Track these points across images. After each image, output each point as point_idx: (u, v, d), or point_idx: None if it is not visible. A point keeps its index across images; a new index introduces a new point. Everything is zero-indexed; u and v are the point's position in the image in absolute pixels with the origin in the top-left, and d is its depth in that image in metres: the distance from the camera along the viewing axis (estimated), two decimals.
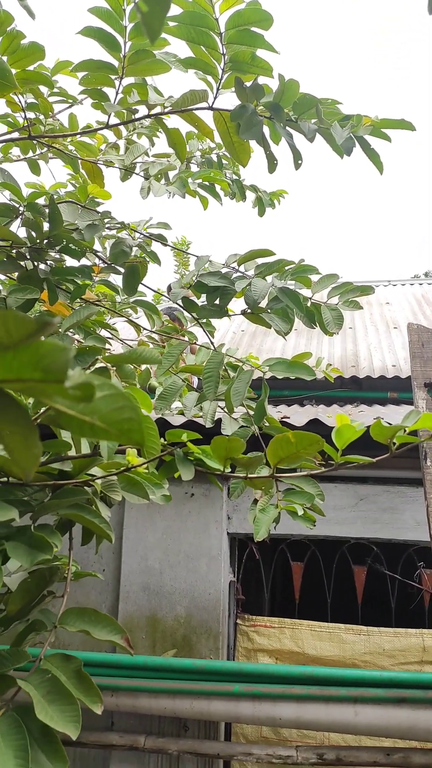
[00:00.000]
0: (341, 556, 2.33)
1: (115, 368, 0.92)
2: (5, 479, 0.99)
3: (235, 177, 2.40)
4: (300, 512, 1.39)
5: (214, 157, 2.42)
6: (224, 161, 2.41)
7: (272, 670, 1.88)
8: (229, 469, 1.06)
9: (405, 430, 1.02)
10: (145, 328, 2.46)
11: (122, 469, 0.94)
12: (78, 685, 0.97)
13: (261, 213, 2.50)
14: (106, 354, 2.25)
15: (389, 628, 2.25)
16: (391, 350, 6.19)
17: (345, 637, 2.23)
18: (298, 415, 2.92)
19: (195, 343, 2.01)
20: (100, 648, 2.32)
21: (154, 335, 2.67)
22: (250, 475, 1.07)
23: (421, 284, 9.47)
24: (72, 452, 1.07)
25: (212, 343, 1.99)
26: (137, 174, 2.10)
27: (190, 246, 11.39)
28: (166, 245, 2.19)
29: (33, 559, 0.93)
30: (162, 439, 1.06)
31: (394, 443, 1.08)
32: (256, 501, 1.39)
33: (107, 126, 1.88)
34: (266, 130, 1.57)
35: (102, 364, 0.96)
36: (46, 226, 1.76)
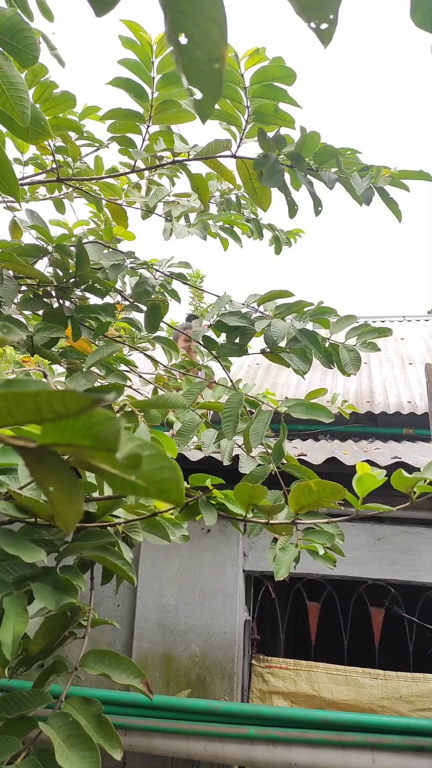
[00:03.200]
0: (358, 596, 2.31)
1: (142, 413, 0.94)
2: (32, 519, 1.01)
3: (252, 216, 2.45)
4: (321, 552, 1.39)
5: (233, 197, 2.48)
6: (243, 200, 2.47)
7: (288, 713, 1.85)
8: (251, 514, 1.07)
9: (425, 480, 1.03)
10: (161, 363, 2.50)
11: (149, 514, 0.96)
12: (98, 730, 0.97)
13: (278, 251, 2.55)
14: (128, 394, 2.28)
15: (407, 672, 2.20)
16: (406, 386, 6.18)
17: (362, 681, 2.19)
18: (315, 451, 2.93)
19: (213, 381, 2.03)
20: (114, 684, 2.30)
21: (171, 369, 2.71)
22: (271, 521, 1.08)
23: None
24: (96, 493, 1.09)
25: (230, 378, 2.02)
26: (159, 215, 2.16)
27: (204, 279, 11.57)
28: (186, 284, 2.24)
29: (58, 602, 0.94)
30: (185, 483, 1.08)
31: (415, 492, 1.09)
32: (276, 539, 1.39)
33: (133, 170, 1.95)
34: (287, 177, 1.62)
35: (129, 408, 0.98)
36: (72, 267, 1.81)
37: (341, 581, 2.32)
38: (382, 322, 9.58)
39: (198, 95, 0.37)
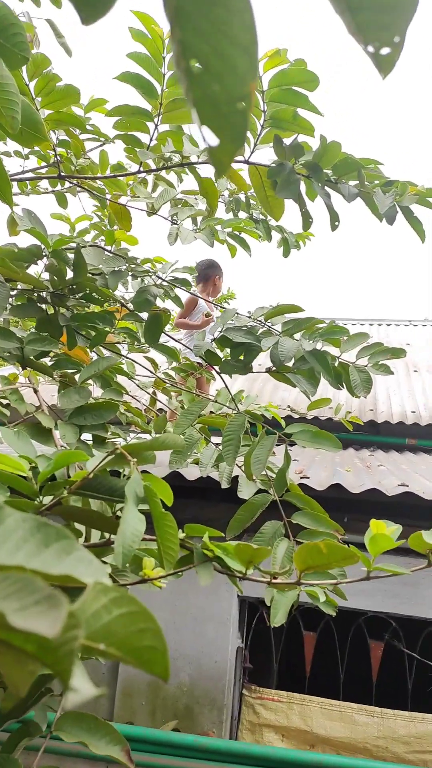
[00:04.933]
0: (357, 629, 2.20)
1: (135, 460, 0.83)
2: None
3: (261, 217, 2.35)
4: (322, 598, 1.29)
5: (242, 197, 2.38)
6: (252, 201, 2.36)
7: (279, 754, 1.75)
8: (251, 571, 0.96)
9: None
10: (156, 373, 2.40)
11: (137, 581, 0.85)
12: None
13: (286, 254, 2.45)
14: (125, 400, 2.17)
15: (405, 711, 2.10)
16: (410, 395, 6.06)
17: (357, 718, 2.09)
18: (316, 467, 2.83)
19: (213, 400, 1.93)
20: (96, 705, 2.20)
21: (170, 371, 2.61)
22: (274, 581, 0.98)
23: None
24: (82, 540, 0.99)
25: (230, 392, 1.92)
26: (164, 217, 2.06)
27: None
28: (190, 292, 2.13)
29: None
30: (180, 531, 0.97)
31: None
32: (271, 582, 1.29)
33: (139, 171, 1.84)
34: (302, 187, 1.52)
35: (120, 451, 0.88)
36: (69, 272, 1.71)
37: (340, 612, 2.20)
38: (387, 326, 9.46)
39: (213, 140, 0.26)
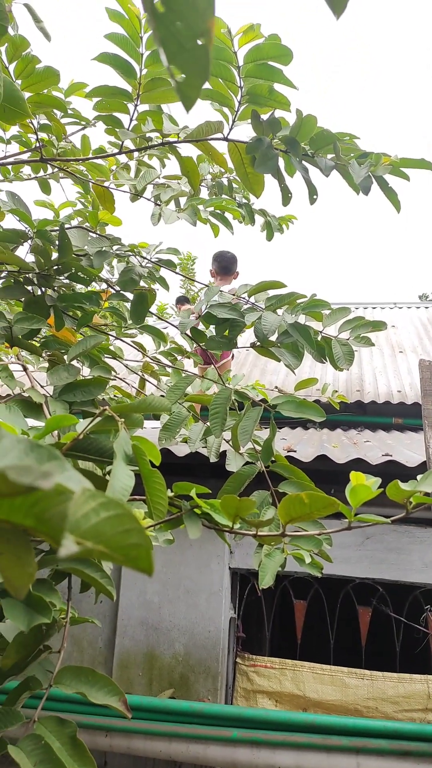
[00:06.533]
0: (345, 595, 2.27)
1: (123, 420, 0.87)
2: None
3: (244, 201, 2.38)
4: (308, 560, 1.34)
5: (225, 181, 2.40)
6: (234, 185, 2.39)
7: (272, 716, 1.81)
8: (238, 525, 1.01)
9: (421, 492, 0.97)
10: (146, 355, 2.42)
11: None
12: (72, 753, 0.91)
13: (269, 237, 2.48)
14: (114, 384, 2.20)
15: (393, 673, 2.17)
16: (396, 375, 6.13)
17: (347, 681, 2.15)
18: (304, 444, 2.87)
19: (201, 376, 1.96)
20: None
21: (158, 356, 2.63)
22: (259, 533, 1.02)
23: (427, 307, 9.45)
24: None
25: (218, 370, 1.95)
26: (147, 199, 2.08)
27: (196, 260, 11.45)
28: (175, 272, 2.16)
29: (31, 621, 0.88)
30: (168, 490, 1.01)
31: (411, 502, 1.03)
32: (261, 545, 1.34)
33: (120, 152, 1.86)
34: (281, 162, 1.54)
35: (109, 413, 0.91)
36: (54, 253, 1.73)
37: (329, 580, 2.28)
38: (373, 308, 9.52)
39: (180, 76, 0.29)
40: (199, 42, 0.29)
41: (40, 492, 0.28)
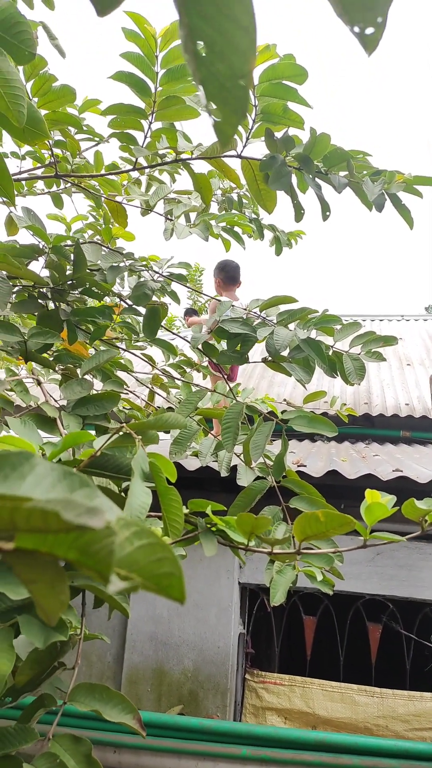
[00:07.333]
0: (356, 612, 2.25)
1: (140, 437, 0.88)
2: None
3: (254, 216, 2.40)
4: (319, 577, 1.34)
5: (234, 197, 2.42)
6: (244, 200, 2.40)
7: (282, 734, 1.79)
8: (253, 542, 1.01)
9: None
10: (158, 364, 2.43)
11: None
12: None
13: (278, 252, 2.49)
14: (124, 397, 2.21)
15: (404, 690, 2.15)
16: (404, 388, 6.12)
17: (357, 699, 2.13)
18: (313, 458, 2.87)
19: (212, 390, 1.97)
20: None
21: (168, 368, 2.64)
22: (275, 551, 1.02)
23: None
24: None
25: (229, 385, 1.96)
26: (159, 214, 2.10)
27: (204, 272, 11.50)
28: (186, 286, 2.17)
29: (47, 639, 0.88)
30: (184, 507, 1.02)
31: (426, 521, 1.03)
32: (272, 561, 1.34)
33: (134, 168, 1.88)
34: (294, 179, 1.55)
35: (126, 431, 0.92)
36: (69, 267, 1.74)
37: (338, 595, 2.26)
38: (380, 321, 9.51)
39: (218, 114, 0.30)
40: (240, 82, 0.30)
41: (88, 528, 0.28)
